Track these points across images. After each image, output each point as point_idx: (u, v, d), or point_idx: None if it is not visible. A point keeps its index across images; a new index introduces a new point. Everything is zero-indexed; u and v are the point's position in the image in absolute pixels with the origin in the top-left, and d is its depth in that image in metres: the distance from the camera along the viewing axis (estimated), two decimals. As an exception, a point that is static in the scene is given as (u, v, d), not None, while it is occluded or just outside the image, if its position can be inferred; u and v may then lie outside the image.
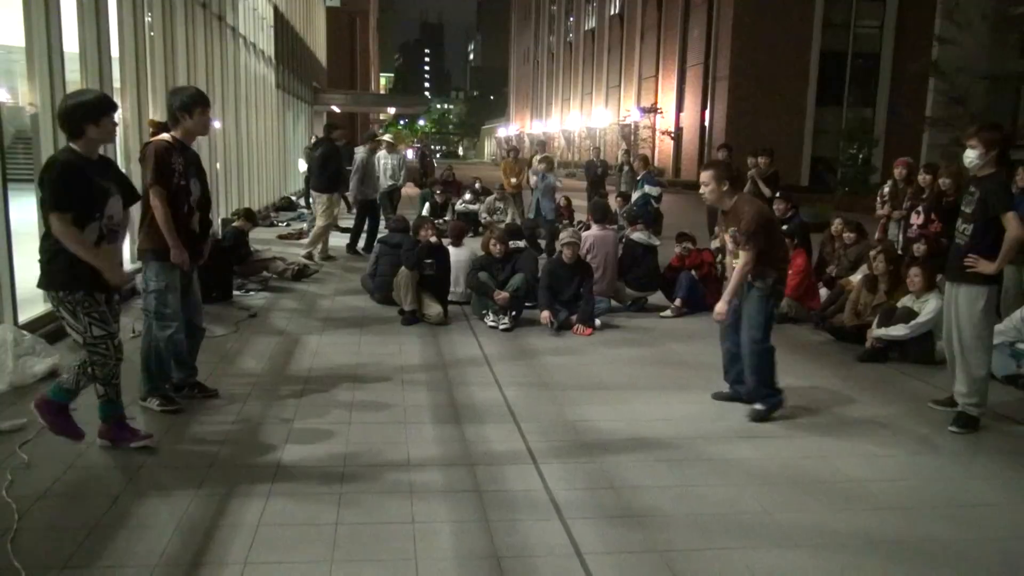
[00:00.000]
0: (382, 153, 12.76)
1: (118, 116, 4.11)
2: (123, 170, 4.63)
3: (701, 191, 5.13)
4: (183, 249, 4.66)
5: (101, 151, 4.15)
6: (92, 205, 3.91)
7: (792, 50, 31.85)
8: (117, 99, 8.02)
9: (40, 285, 4.02)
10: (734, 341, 5.20)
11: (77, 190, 3.83)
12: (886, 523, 3.66)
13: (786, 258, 5.21)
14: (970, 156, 4.87)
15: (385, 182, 13.32)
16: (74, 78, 7.05)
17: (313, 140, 19.31)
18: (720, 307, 5.02)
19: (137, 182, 4.72)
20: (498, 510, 3.65)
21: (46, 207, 3.82)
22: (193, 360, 5.07)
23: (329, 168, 10.96)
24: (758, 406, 4.99)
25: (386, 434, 4.56)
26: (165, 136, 4.73)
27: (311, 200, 13.59)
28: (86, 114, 3.90)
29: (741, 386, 5.29)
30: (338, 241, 12.11)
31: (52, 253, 3.88)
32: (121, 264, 4.25)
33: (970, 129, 5.01)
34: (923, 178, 8.23)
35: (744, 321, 5.03)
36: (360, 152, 11.96)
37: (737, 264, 4.96)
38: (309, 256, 10.62)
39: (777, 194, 9.53)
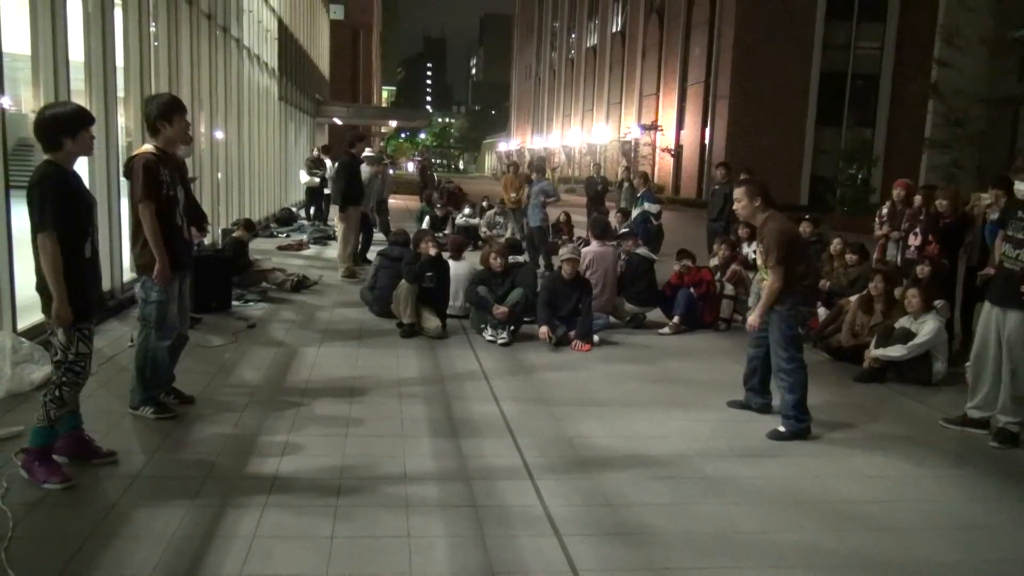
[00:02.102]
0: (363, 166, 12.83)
1: (95, 130, 4.00)
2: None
3: (735, 207, 5.31)
4: (168, 267, 4.59)
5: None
6: (84, 218, 3.85)
7: (792, 70, 32.05)
8: (120, 108, 8.07)
9: (46, 312, 3.86)
10: (756, 353, 5.34)
11: (68, 204, 3.74)
12: (882, 544, 3.66)
13: (813, 282, 5.31)
14: (1022, 190, 5.05)
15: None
16: (78, 87, 7.08)
17: (316, 153, 19.37)
18: (752, 319, 5.19)
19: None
20: (494, 525, 3.64)
21: (37, 226, 3.68)
22: (173, 366, 5.06)
23: (343, 182, 10.89)
24: (781, 428, 5.01)
25: (383, 447, 4.55)
26: (149, 147, 4.66)
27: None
28: (63, 127, 3.79)
29: (755, 396, 5.44)
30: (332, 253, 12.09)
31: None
32: (98, 288, 4.15)
33: (1018, 162, 5.20)
34: (918, 199, 8.29)
35: (771, 343, 5.11)
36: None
37: (766, 281, 5.05)
38: (351, 273, 10.57)
39: (807, 216, 9.66)
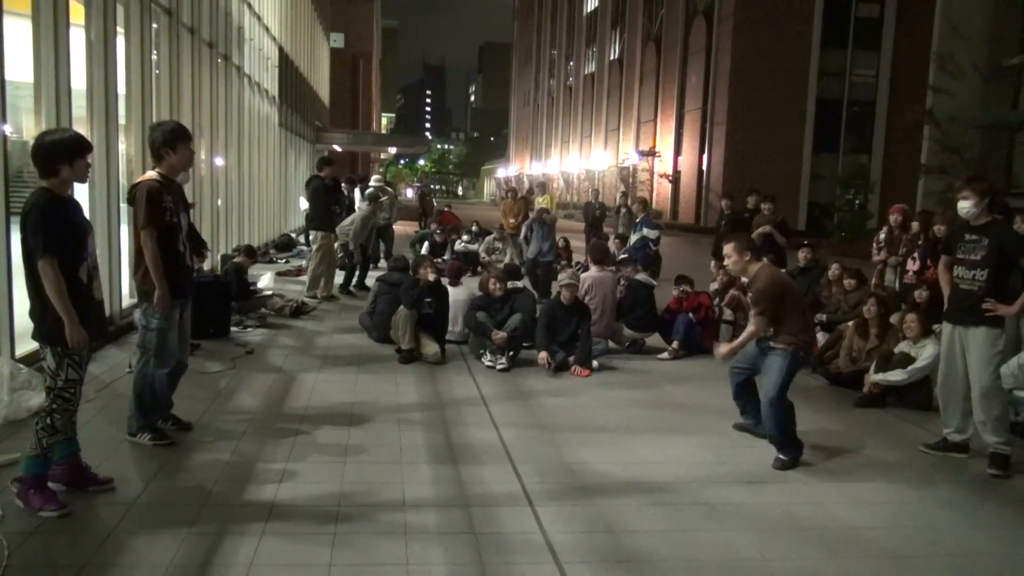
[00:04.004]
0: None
1: (91, 158, 4.03)
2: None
3: (724, 262, 5.32)
4: (168, 295, 4.60)
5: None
6: (79, 245, 3.86)
7: (789, 97, 32.33)
8: (121, 136, 8.12)
9: (36, 338, 3.89)
10: (739, 380, 5.35)
11: (61, 231, 3.76)
12: (884, 571, 3.63)
13: (807, 328, 5.28)
14: (965, 207, 5.05)
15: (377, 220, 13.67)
16: (80, 114, 7.13)
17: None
18: (722, 350, 5.24)
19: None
20: (493, 553, 3.61)
21: (34, 252, 3.70)
22: (171, 393, 5.04)
23: (317, 206, 10.82)
24: (782, 456, 4.97)
25: (381, 474, 4.53)
26: (152, 174, 4.69)
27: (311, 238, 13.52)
28: (61, 154, 3.82)
29: (749, 418, 5.45)
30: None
31: (51, 307, 3.74)
32: (102, 314, 4.16)
33: (958, 183, 5.21)
34: (915, 225, 8.33)
35: (764, 379, 5.09)
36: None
37: (751, 324, 5.05)
38: (313, 297, 10.57)
39: (805, 242, 9.64)
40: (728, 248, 5.16)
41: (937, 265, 7.50)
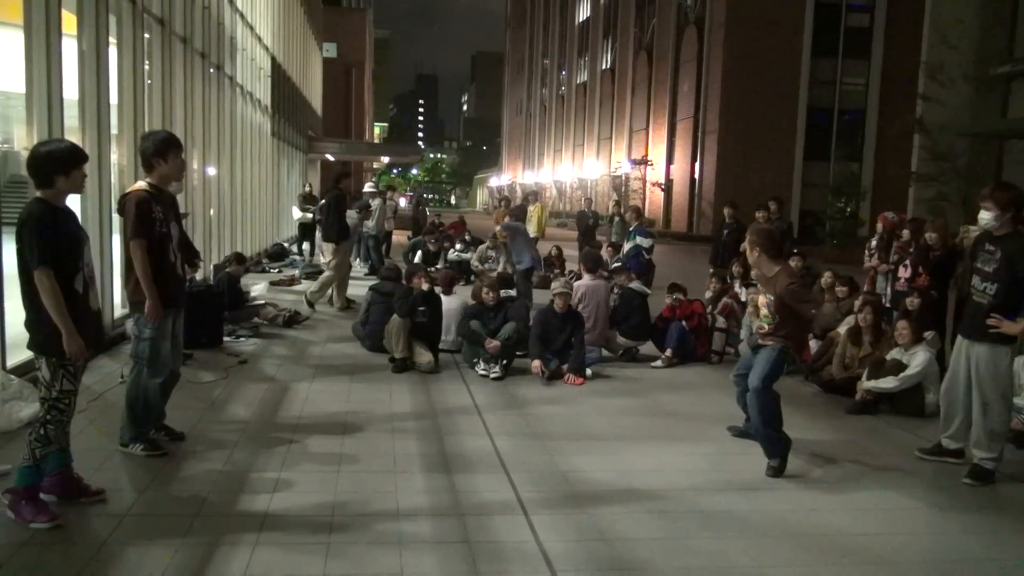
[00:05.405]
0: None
1: (87, 168, 4.03)
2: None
3: (746, 254, 5.30)
4: (159, 305, 4.58)
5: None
6: (74, 255, 3.86)
7: (780, 106, 32.53)
8: (114, 146, 8.11)
9: (31, 348, 3.88)
10: (743, 387, 5.31)
11: (57, 241, 3.76)
12: (878, 578, 3.64)
13: (805, 338, 5.30)
14: (985, 217, 4.92)
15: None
16: (72, 124, 7.12)
17: (307, 188, 19.50)
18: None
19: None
20: (488, 562, 3.60)
21: (29, 263, 3.71)
22: (164, 403, 5.02)
23: (331, 217, 10.95)
24: (773, 463, 4.97)
25: (375, 483, 4.52)
26: (142, 185, 4.68)
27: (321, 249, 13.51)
28: (57, 165, 3.81)
29: (750, 423, 5.39)
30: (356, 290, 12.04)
31: (46, 318, 3.74)
32: (99, 325, 4.15)
33: (984, 191, 5.01)
34: (906, 232, 8.39)
35: (752, 369, 5.09)
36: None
37: (759, 323, 5.05)
38: (347, 305, 10.58)
39: (795, 251, 9.63)
40: (750, 241, 5.11)
41: (928, 273, 7.60)
